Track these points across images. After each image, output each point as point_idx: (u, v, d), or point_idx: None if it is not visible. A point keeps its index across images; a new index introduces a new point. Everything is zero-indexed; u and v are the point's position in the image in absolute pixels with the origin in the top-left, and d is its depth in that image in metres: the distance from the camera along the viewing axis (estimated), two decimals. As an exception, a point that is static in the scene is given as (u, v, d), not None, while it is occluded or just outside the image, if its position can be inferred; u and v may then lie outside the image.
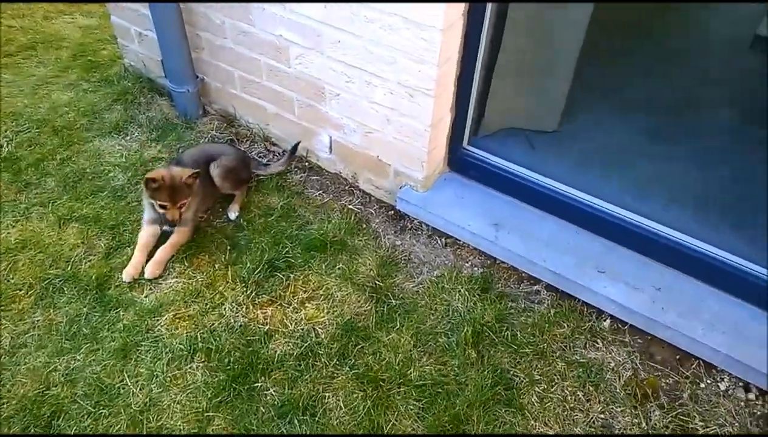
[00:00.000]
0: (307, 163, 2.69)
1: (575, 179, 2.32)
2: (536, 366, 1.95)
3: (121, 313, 2.03)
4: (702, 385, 1.93)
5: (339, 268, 2.23)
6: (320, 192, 2.57)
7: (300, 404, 1.81)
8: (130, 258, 2.16)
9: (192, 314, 2.05)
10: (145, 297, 2.09)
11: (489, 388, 1.87)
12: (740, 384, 1.94)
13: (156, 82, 3.01)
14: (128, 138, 2.75)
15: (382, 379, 1.90)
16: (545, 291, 2.19)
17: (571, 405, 1.86)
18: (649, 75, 3.10)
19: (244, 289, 2.13)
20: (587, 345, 2.03)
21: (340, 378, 1.90)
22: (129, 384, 1.83)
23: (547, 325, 2.07)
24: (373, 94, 2.26)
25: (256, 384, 1.85)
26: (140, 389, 1.82)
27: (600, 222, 2.24)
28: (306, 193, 2.56)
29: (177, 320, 2.02)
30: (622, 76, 3.06)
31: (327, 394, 1.85)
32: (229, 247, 2.29)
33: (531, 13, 2.25)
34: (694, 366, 1.98)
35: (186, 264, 2.21)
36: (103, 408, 1.78)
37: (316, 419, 1.78)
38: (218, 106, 2.93)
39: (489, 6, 2.02)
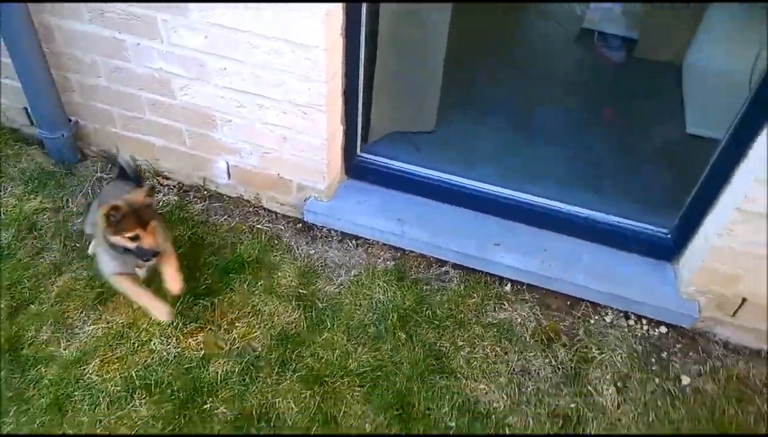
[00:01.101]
0: (206, 191, 2.89)
1: (460, 169, 2.81)
2: (458, 334, 2.36)
3: (43, 370, 2.09)
4: (592, 321, 2.47)
5: (261, 285, 2.47)
6: (225, 217, 2.78)
7: (253, 414, 2.03)
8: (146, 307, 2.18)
9: (120, 355, 2.16)
10: (64, 349, 2.17)
11: (422, 361, 2.24)
12: (621, 314, 2.52)
13: (21, 131, 3.02)
14: (2, 194, 2.73)
15: (325, 376, 2.18)
16: (453, 271, 2.61)
17: (493, 360, 2.29)
18: (504, 74, 3.75)
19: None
20: (496, 308, 2.48)
21: (285, 383, 2.14)
22: (72, 433, 1.91)
23: (460, 299, 2.49)
24: (265, 116, 2.54)
25: (204, 406, 2.03)
26: (85, 437, 1.91)
27: (489, 203, 2.74)
28: (211, 220, 2.76)
29: (106, 364, 2.13)
30: (482, 78, 3.67)
31: (277, 400, 2.09)
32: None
33: (398, 30, 2.70)
34: (583, 307, 2.52)
35: (100, 309, 2.31)
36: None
37: (272, 424, 2.01)
38: (98, 148, 3.01)
39: (363, 26, 2.42)
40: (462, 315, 2.43)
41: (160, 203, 2.80)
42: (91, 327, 2.24)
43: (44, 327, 2.23)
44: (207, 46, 2.42)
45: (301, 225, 2.79)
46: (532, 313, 2.48)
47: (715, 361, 2.37)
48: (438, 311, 2.43)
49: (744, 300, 2.38)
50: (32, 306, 2.27)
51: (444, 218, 2.72)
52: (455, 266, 2.62)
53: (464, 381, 2.21)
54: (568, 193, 2.77)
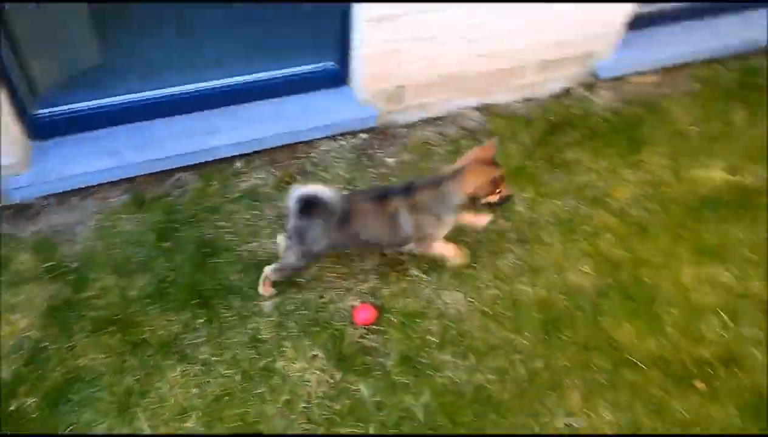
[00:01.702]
0: None
1: (145, 85, 2.58)
2: (215, 218, 2.35)
3: None
4: (313, 154, 2.67)
5: (1, 282, 2.06)
6: None
7: (61, 386, 1.79)
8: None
9: None
10: None
11: (197, 254, 2.20)
12: (330, 139, 2.73)
13: None
14: None
15: (115, 315, 2.00)
16: (185, 174, 2.51)
17: (253, 221, 2.35)
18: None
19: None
20: (237, 183, 2.50)
21: (80, 344, 1.92)
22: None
23: (202, 192, 2.44)
24: None
25: (11, 409, 1.73)
26: None
27: (183, 102, 2.62)
28: None
29: None
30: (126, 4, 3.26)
31: (80, 360, 1.87)
32: None
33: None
34: (301, 149, 2.68)
35: None
36: None
37: (86, 381, 1.82)
38: None
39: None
40: (211, 203, 2.40)
41: None
42: None
43: None
44: None
45: (12, 210, 2.33)
46: (267, 173, 2.56)
47: (402, 139, 2.79)
48: (188, 211, 2.35)
49: (401, 87, 2.77)
50: None
51: (151, 133, 2.54)
52: (184, 169, 2.51)
53: (238, 249, 2.23)
54: (249, 67, 2.77)
